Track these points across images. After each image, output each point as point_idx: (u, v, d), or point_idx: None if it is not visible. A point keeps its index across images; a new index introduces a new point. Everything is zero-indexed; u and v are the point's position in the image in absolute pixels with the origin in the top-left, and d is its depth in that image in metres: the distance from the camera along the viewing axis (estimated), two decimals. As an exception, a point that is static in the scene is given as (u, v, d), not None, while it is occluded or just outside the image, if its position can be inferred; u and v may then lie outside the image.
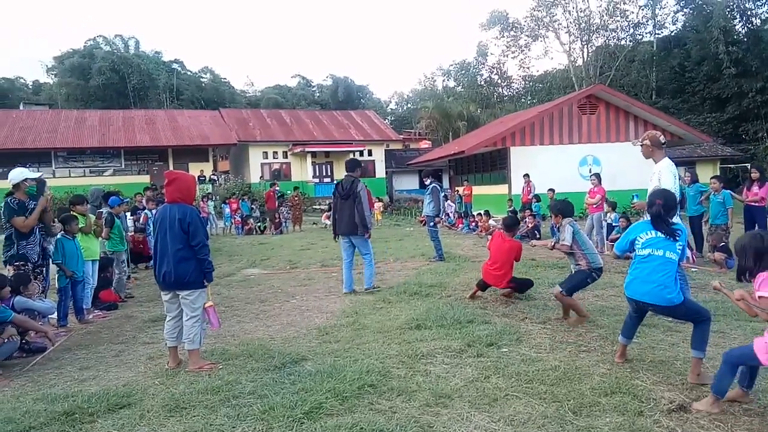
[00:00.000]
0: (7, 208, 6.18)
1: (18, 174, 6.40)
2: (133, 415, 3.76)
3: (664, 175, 5.68)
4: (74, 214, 7.06)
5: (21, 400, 4.16)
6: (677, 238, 4.19)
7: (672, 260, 4.14)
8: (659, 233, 4.19)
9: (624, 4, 45.72)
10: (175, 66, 64.17)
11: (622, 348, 4.53)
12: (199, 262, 4.78)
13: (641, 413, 3.54)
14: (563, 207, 6.14)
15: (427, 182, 11.77)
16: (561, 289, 5.76)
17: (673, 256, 4.15)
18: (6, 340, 5.07)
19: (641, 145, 5.95)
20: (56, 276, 6.81)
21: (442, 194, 12.17)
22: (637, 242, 4.31)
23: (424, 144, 43.02)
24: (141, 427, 3.58)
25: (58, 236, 6.81)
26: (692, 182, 11.24)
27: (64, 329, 6.56)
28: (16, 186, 6.32)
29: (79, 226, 7.05)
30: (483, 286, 7.23)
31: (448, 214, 21.27)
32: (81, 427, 3.63)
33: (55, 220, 7.10)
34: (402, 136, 43.92)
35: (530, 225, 14.33)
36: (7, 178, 6.54)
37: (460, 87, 60.11)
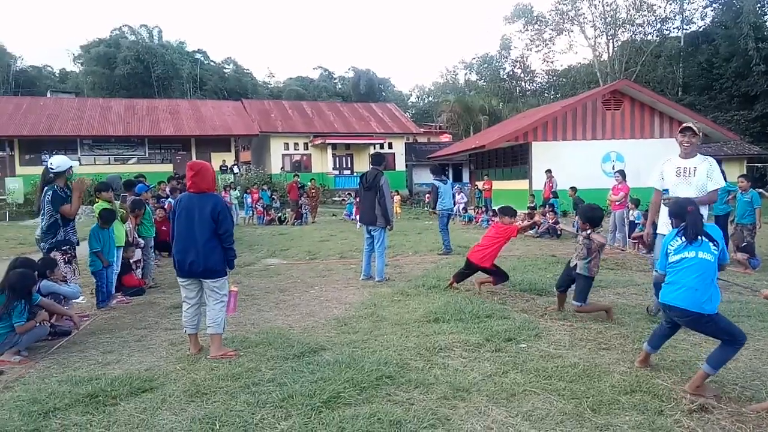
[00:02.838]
0: (56, 197, 6.34)
1: (64, 162, 6.58)
2: (155, 399, 3.82)
3: (717, 170, 5.49)
4: (110, 208, 7.22)
5: (46, 381, 4.25)
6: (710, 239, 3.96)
7: (707, 261, 3.88)
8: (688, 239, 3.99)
9: (651, -2, 44.97)
10: (198, 56, 64.74)
11: (646, 355, 4.31)
12: (224, 251, 4.83)
13: (661, 412, 3.51)
14: (592, 215, 5.92)
15: (432, 179, 12.04)
16: (579, 303, 5.72)
17: (707, 257, 3.88)
18: (38, 324, 5.19)
19: (696, 135, 5.64)
20: (87, 260, 6.96)
21: (448, 186, 12.30)
22: (669, 253, 4.10)
23: (445, 138, 42.88)
24: (163, 411, 3.64)
25: (94, 227, 6.96)
26: (719, 181, 11.01)
27: (101, 312, 6.74)
28: (59, 174, 6.47)
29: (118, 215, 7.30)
30: (461, 276, 7.37)
31: (466, 209, 21.22)
32: (104, 409, 3.69)
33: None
34: (422, 130, 43.79)
35: (551, 221, 14.21)
36: (37, 165, 6.72)
37: (482, 81, 59.78)
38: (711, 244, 3.94)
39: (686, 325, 4.06)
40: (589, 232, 5.80)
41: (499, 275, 7.15)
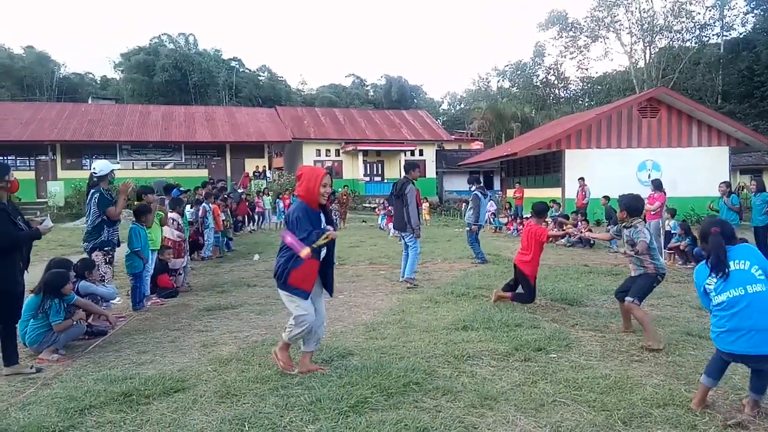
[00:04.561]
0: (102, 199, 6.60)
1: (106, 166, 6.85)
2: (186, 399, 3.90)
3: None
4: (148, 205, 7.42)
5: (82, 379, 4.37)
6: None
7: (759, 293, 3.44)
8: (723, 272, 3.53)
9: (690, 4, 44.13)
10: (234, 64, 66.02)
11: (705, 391, 3.69)
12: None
13: (695, 427, 3.43)
14: (630, 203, 5.56)
15: (472, 188, 11.73)
16: (632, 299, 5.32)
17: (758, 288, 3.45)
18: (75, 323, 5.35)
19: None
20: (126, 263, 7.14)
21: (487, 200, 11.93)
22: (708, 291, 3.62)
23: (476, 145, 42.66)
24: (194, 411, 3.71)
25: (132, 225, 7.17)
26: (758, 191, 10.75)
27: (136, 313, 6.92)
28: (102, 177, 6.71)
29: (157, 217, 7.49)
30: (510, 289, 7.06)
31: (494, 215, 21.02)
32: (137, 408, 3.78)
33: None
34: (454, 137, 43.66)
35: (584, 230, 13.99)
36: (78, 168, 6.96)
37: (515, 88, 59.37)
38: (753, 269, 3.51)
39: (754, 365, 3.54)
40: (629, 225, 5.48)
41: (526, 294, 6.85)
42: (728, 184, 11.28)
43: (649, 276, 5.43)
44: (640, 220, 5.59)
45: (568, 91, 58.66)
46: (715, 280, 3.59)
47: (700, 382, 3.76)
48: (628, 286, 5.63)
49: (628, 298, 5.39)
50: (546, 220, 7.79)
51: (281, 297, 4.45)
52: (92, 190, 6.67)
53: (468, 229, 11.27)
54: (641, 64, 47.13)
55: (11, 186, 4.78)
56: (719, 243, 3.59)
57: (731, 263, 3.57)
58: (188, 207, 11.36)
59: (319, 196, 4.33)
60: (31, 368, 4.70)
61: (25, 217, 4.95)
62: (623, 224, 5.65)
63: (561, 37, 51.75)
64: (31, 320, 5.11)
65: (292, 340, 4.45)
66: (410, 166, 9.03)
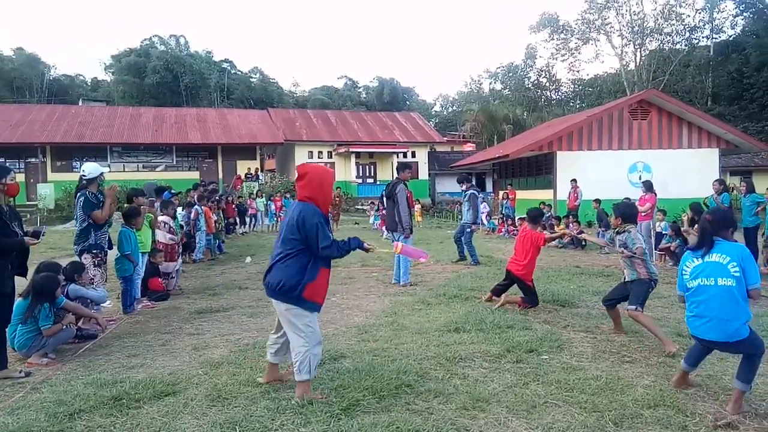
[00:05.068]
0: (87, 203, 6.54)
1: (95, 169, 6.79)
2: (177, 403, 3.87)
3: None
4: (138, 208, 7.38)
5: (72, 383, 4.33)
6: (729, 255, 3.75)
7: (728, 287, 3.69)
8: (705, 258, 3.84)
9: (680, 7, 44.44)
10: (225, 66, 65.75)
11: (683, 375, 4.09)
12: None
13: (685, 428, 3.45)
14: (625, 210, 5.77)
15: (463, 188, 11.67)
16: (635, 306, 5.30)
17: (728, 282, 3.69)
18: (65, 327, 5.31)
19: None
20: (116, 266, 7.10)
21: (480, 200, 11.93)
22: (684, 274, 3.96)
23: (468, 147, 42.75)
24: (184, 415, 3.69)
25: (122, 228, 7.12)
26: (748, 192, 10.83)
27: (127, 316, 6.88)
28: (91, 180, 6.66)
29: (147, 219, 7.45)
30: (498, 291, 7.11)
31: (489, 216, 21.09)
32: (128, 412, 3.75)
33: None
34: (446, 139, 43.70)
35: (575, 231, 14.06)
36: (68, 171, 6.87)
37: (506, 90, 59.57)
38: (730, 265, 3.71)
39: (719, 349, 3.93)
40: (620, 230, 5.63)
41: (531, 297, 6.85)
42: (722, 182, 11.23)
43: (643, 281, 5.45)
44: (633, 225, 5.70)
45: (560, 93, 58.93)
46: (694, 264, 3.90)
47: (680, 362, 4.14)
48: (617, 294, 5.69)
49: (630, 307, 5.36)
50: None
51: (287, 315, 3.89)
52: (79, 194, 6.64)
53: (468, 229, 11.21)
54: (632, 66, 47.42)
55: (9, 189, 4.73)
56: (704, 226, 3.95)
57: (713, 254, 3.82)
58: (180, 209, 11.31)
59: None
60: (20, 372, 4.65)
61: (24, 227, 4.89)
62: (616, 230, 5.77)
63: (552, 39, 52.00)
64: (20, 325, 5.06)
65: (314, 370, 3.88)
66: (402, 167, 9.13)
